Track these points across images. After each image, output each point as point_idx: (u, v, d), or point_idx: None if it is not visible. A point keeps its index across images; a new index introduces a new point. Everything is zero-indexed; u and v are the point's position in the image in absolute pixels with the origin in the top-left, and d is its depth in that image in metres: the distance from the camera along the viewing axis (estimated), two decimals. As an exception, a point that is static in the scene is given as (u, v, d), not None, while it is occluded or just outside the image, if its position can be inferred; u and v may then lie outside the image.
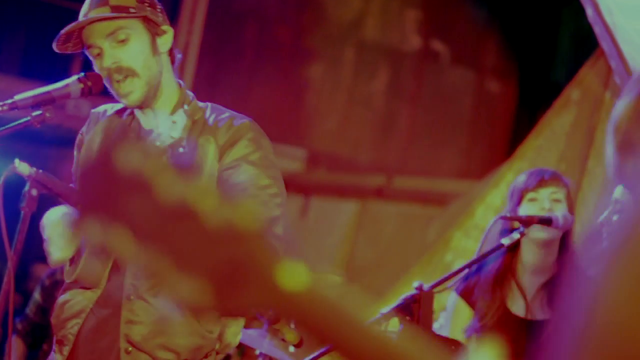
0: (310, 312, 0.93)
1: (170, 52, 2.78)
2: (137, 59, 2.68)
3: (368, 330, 0.94)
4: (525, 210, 3.56)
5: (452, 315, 3.68)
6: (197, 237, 0.88)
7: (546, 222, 3.44)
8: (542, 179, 3.59)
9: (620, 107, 1.54)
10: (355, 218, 7.78)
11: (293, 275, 0.91)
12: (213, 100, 2.86)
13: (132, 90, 2.68)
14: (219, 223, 0.88)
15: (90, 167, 0.89)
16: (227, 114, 2.76)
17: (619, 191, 2.62)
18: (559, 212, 3.52)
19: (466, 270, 3.59)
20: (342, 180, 8.13)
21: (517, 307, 3.57)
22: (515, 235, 3.44)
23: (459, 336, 3.61)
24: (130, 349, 2.66)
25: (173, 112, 2.75)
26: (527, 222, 3.45)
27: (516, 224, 3.49)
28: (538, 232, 3.47)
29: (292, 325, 4.37)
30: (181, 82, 2.85)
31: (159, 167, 0.87)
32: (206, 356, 2.76)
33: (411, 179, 7.80)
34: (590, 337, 0.71)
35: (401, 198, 7.62)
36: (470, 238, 5.48)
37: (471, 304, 3.62)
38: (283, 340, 4.16)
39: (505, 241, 3.45)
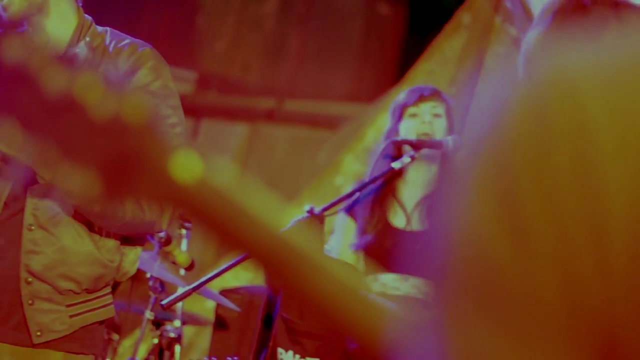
0: (202, 202, 0.93)
1: None
2: None
3: (261, 222, 0.95)
4: (406, 125, 3.62)
5: (341, 234, 3.73)
6: (84, 129, 0.87)
7: (437, 146, 3.49)
8: (421, 95, 3.66)
9: (531, 37, 1.56)
10: (246, 141, 7.76)
11: (185, 166, 0.91)
12: (101, 21, 2.78)
13: (10, 3, 2.59)
14: (106, 115, 0.87)
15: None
16: (127, 41, 2.70)
17: None
18: (440, 127, 3.58)
19: (357, 193, 3.63)
20: (233, 102, 8.09)
21: (398, 219, 3.64)
22: (406, 159, 3.49)
23: (347, 254, 3.66)
24: (30, 279, 2.62)
25: (73, 41, 2.67)
26: (418, 145, 3.50)
27: (406, 147, 3.54)
28: (425, 152, 3.53)
29: (184, 249, 4.35)
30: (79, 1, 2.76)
31: (45, 60, 0.86)
32: (106, 285, 2.75)
33: (302, 102, 7.78)
34: (452, 252, 0.72)
35: (292, 121, 7.61)
36: (360, 161, 5.51)
37: (356, 220, 3.68)
38: (174, 263, 4.15)
39: (396, 165, 3.48)
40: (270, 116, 7.77)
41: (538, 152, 0.67)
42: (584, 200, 0.66)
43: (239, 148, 7.73)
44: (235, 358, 3.09)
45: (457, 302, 0.70)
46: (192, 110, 7.55)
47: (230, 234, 0.95)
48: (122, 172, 0.89)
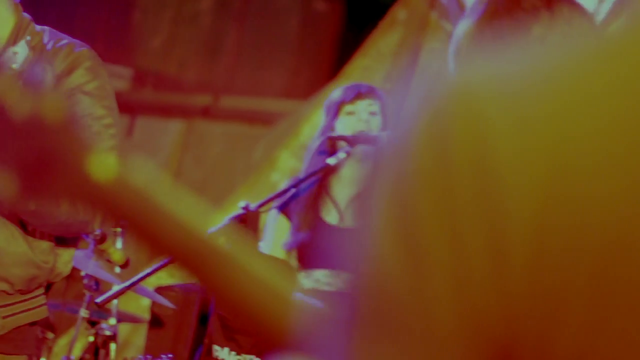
0: (119, 202, 0.93)
1: None
2: None
3: (179, 220, 0.95)
4: (342, 123, 3.63)
5: (272, 232, 3.73)
6: (1, 128, 0.87)
7: (371, 141, 3.49)
8: (359, 92, 3.66)
9: (462, 29, 1.57)
10: (182, 137, 7.73)
11: (102, 165, 0.91)
12: (37, 18, 2.75)
13: None
14: (23, 115, 0.87)
15: None
16: (65, 41, 2.67)
17: None
18: (376, 124, 3.59)
19: (292, 190, 3.63)
20: (168, 99, 8.05)
21: (331, 216, 3.65)
22: (342, 155, 3.49)
23: (279, 252, 3.67)
24: (-37, 281, 2.60)
25: (11, 40, 2.63)
26: (353, 141, 3.50)
27: (341, 144, 3.54)
28: (359, 148, 3.54)
29: (119, 246, 4.32)
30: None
31: None
32: (39, 286, 2.72)
33: (238, 98, 7.77)
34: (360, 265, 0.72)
35: (228, 118, 7.60)
36: (296, 158, 5.51)
37: (289, 218, 3.68)
38: (109, 261, 4.12)
39: (331, 161, 3.49)
40: (206, 113, 7.75)
41: (435, 163, 0.67)
42: (481, 209, 0.66)
43: (175, 145, 7.70)
44: (170, 355, 3.07)
45: (361, 317, 0.70)
46: (128, 107, 7.50)
47: (146, 233, 0.95)
48: (39, 171, 0.89)
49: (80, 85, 2.60)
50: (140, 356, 3.14)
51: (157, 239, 0.95)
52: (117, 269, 4.22)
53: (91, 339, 4.62)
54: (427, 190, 0.67)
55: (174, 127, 7.81)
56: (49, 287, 2.83)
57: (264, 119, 7.14)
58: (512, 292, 0.65)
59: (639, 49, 0.67)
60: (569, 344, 0.65)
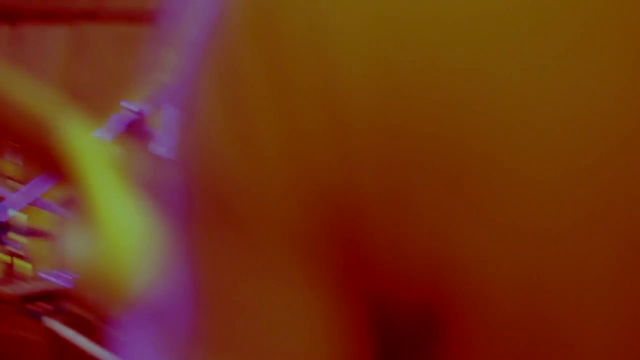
0: None
1: None
2: None
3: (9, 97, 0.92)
4: None
5: (168, 128, 3.71)
6: None
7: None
8: None
9: None
10: (69, 43, 7.58)
11: None
12: None
13: None
14: None
15: None
16: None
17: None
18: None
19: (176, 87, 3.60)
20: (53, 5, 7.87)
21: None
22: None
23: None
24: None
25: None
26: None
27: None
28: None
29: (15, 160, 4.27)
30: None
31: None
32: None
33: (122, -1, 7.63)
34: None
35: (114, 19, 7.46)
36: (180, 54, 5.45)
37: None
38: (2, 175, 4.08)
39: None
40: (93, 16, 7.61)
41: (265, 28, 0.63)
42: (316, 73, 0.62)
43: (63, 51, 7.56)
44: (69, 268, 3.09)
45: (194, 203, 0.66)
46: (11, 16, 7.32)
47: None
48: None
49: None
50: (41, 271, 3.14)
51: None
52: (16, 184, 4.18)
53: (5, 258, 4.59)
54: (256, 56, 0.63)
55: (61, 33, 7.65)
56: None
57: (149, 18, 7.04)
58: (351, 138, 0.61)
59: None
60: (419, 212, 0.62)
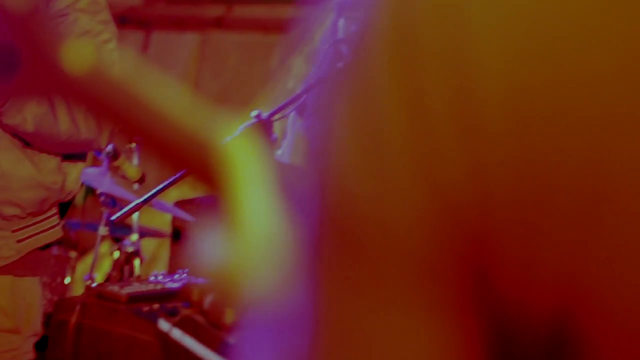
0: (94, 92, 0.89)
1: None
2: None
3: (158, 107, 0.91)
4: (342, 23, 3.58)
5: (293, 136, 3.70)
6: None
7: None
8: None
9: None
10: (197, 50, 7.68)
11: (77, 56, 0.86)
12: None
13: None
14: None
15: None
16: None
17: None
18: None
19: (305, 96, 3.59)
20: (182, 12, 7.99)
21: None
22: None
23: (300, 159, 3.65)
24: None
25: None
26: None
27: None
28: None
29: (134, 162, 4.31)
30: None
31: None
32: (51, 207, 2.72)
33: (251, 7, 7.70)
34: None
35: (242, 27, 7.54)
36: (310, 64, 5.47)
37: None
38: (124, 177, 4.12)
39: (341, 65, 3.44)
40: (220, 23, 7.69)
41: (401, 46, 0.60)
42: (454, 93, 0.59)
43: (191, 58, 7.66)
44: (186, 270, 3.08)
45: (323, 235, 0.64)
46: (142, 22, 7.45)
47: (127, 121, 0.92)
48: (8, 62, 0.86)
49: (72, 4, 2.56)
50: (155, 272, 3.14)
51: (140, 128, 0.92)
52: (136, 186, 4.22)
53: (116, 255, 4.66)
54: (392, 70, 0.60)
55: (189, 40, 7.76)
56: (67, 206, 2.83)
57: (277, 27, 7.08)
58: (486, 163, 0.59)
59: None
60: (553, 237, 0.58)
